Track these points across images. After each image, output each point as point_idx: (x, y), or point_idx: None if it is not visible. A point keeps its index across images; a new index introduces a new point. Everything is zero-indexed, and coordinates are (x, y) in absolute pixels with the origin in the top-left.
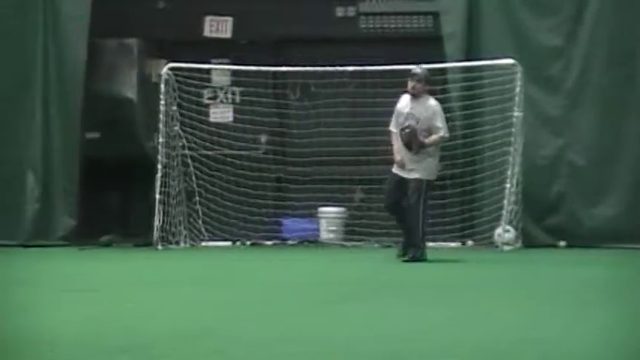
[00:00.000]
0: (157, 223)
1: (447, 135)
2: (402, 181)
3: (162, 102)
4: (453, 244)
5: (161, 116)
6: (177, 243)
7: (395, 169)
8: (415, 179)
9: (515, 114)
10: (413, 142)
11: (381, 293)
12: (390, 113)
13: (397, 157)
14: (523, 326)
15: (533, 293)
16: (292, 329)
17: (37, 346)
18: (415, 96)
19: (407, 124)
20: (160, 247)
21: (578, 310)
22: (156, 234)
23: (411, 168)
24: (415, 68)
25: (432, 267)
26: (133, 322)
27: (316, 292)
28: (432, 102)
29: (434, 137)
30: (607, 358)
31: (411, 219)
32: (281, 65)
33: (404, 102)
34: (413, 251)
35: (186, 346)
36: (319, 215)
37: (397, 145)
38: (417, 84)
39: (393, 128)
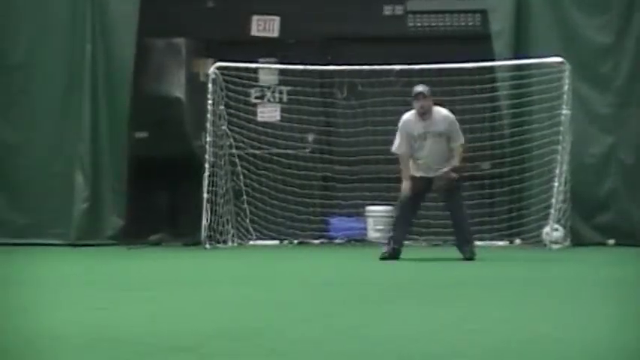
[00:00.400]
0: (204, 222)
1: (463, 140)
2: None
3: (209, 101)
4: (500, 243)
5: (209, 115)
6: (225, 242)
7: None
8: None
9: (564, 112)
10: (449, 184)
11: (429, 293)
12: None
13: (407, 184)
14: (576, 325)
15: (584, 292)
16: (342, 329)
17: (83, 345)
18: (424, 114)
19: (441, 173)
20: (207, 246)
21: (626, 310)
22: (204, 233)
23: (438, 167)
24: (418, 87)
25: (479, 266)
26: (181, 321)
27: (364, 291)
28: (444, 112)
29: (457, 154)
30: None
31: (459, 215)
32: (328, 64)
33: (411, 123)
34: (469, 249)
35: (236, 346)
36: (366, 214)
37: (408, 171)
38: (424, 102)
39: (398, 149)
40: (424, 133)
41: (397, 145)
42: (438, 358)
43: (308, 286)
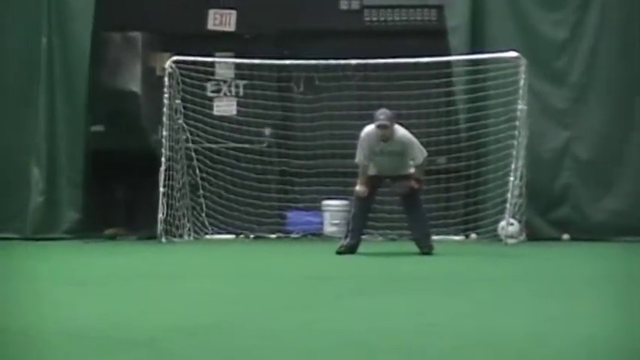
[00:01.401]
0: (161, 216)
1: (425, 156)
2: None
3: (166, 95)
4: (456, 238)
5: (165, 109)
6: (181, 236)
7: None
8: (407, 175)
9: (520, 107)
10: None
11: (388, 287)
12: (394, 106)
13: (361, 188)
14: (530, 320)
15: (537, 287)
16: (300, 323)
17: (40, 339)
18: (386, 140)
19: (403, 184)
20: (163, 240)
21: (581, 304)
22: (160, 227)
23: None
24: (380, 116)
25: (436, 260)
26: (138, 315)
27: (323, 285)
28: (401, 132)
29: (420, 166)
30: (613, 352)
31: (417, 213)
32: (285, 58)
33: (372, 137)
34: (427, 243)
35: (193, 340)
36: (323, 208)
37: (365, 178)
38: (385, 132)
39: (361, 161)
40: (383, 151)
41: (358, 155)
42: (401, 352)
43: (265, 281)
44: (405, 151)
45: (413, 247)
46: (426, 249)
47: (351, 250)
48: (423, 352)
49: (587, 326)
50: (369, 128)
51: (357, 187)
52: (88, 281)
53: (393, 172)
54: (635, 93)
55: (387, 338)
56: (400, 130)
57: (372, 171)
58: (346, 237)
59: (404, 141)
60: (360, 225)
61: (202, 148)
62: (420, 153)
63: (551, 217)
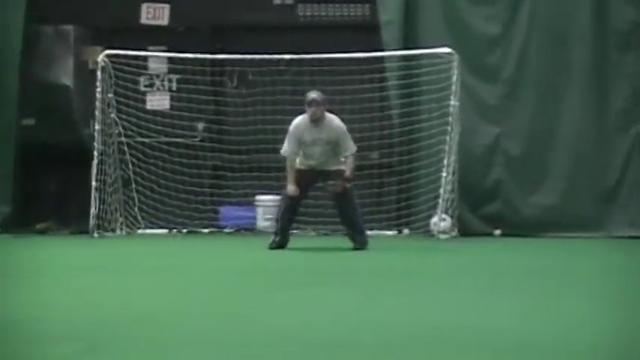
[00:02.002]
0: (93, 210)
1: (355, 149)
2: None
3: (98, 89)
4: (389, 233)
5: (97, 103)
6: (114, 230)
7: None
8: (337, 170)
9: (452, 103)
10: (342, 190)
11: (321, 282)
12: (328, 101)
13: (292, 187)
14: (465, 314)
15: (469, 282)
16: (231, 316)
17: None
18: (316, 121)
19: (332, 183)
20: (96, 234)
21: (514, 298)
22: (92, 221)
23: (327, 167)
24: (311, 94)
25: (369, 255)
26: (69, 309)
27: (255, 279)
28: (336, 122)
29: (350, 162)
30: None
31: (350, 209)
32: (218, 53)
33: (301, 127)
34: (361, 239)
35: (126, 333)
36: (256, 203)
37: (294, 174)
38: (316, 109)
39: (288, 154)
40: (314, 140)
41: (284, 147)
42: (337, 346)
43: (197, 275)
44: (338, 140)
45: (346, 243)
46: (360, 244)
47: (281, 245)
48: (354, 346)
49: (519, 319)
50: (299, 119)
51: (288, 187)
52: (18, 274)
53: (323, 166)
54: (564, 89)
55: (319, 332)
56: (335, 120)
57: (302, 165)
58: (276, 233)
59: (338, 130)
60: (287, 224)
61: (135, 142)
62: (353, 145)
63: (483, 213)
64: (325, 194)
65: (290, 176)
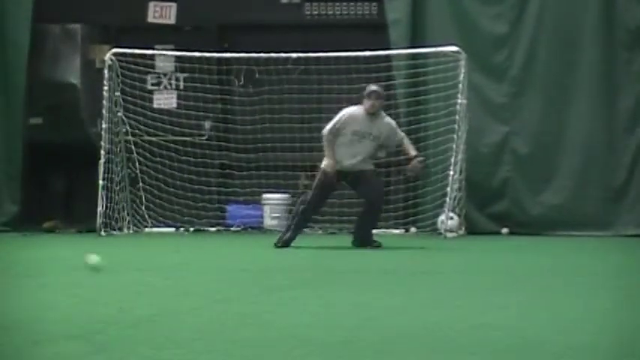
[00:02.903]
0: (100, 209)
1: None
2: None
3: (105, 88)
4: (396, 231)
5: (104, 102)
6: (121, 229)
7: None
8: (368, 170)
9: (459, 101)
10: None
11: (328, 280)
12: (335, 99)
13: (332, 162)
14: (470, 313)
15: (477, 280)
16: (239, 315)
17: None
18: (373, 114)
19: (415, 154)
20: (103, 233)
21: (522, 296)
22: (99, 220)
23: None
24: (372, 86)
25: (375, 254)
26: (76, 308)
27: (262, 278)
28: (387, 119)
29: (409, 144)
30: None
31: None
32: (225, 51)
33: (356, 117)
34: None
35: (131, 333)
36: (263, 202)
37: (334, 150)
38: (376, 102)
39: (329, 132)
40: (364, 133)
41: (328, 126)
42: (337, 346)
43: (204, 274)
44: (388, 137)
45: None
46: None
47: (286, 244)
48: (362, 345)
49: (525, 318)
50: (353, 108)
51: (328, 161)
52: (24, 273)
53: (358, 166)
54: (572, 88)
55: (326, 331)
56: (386, 116)
57: (332, 166)
58: (288, 230)
59: (389, 126)
60: (305, 222)
61: (142, 140)
62: (402, 134)
63: (491, 211)
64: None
65: (330, 152)
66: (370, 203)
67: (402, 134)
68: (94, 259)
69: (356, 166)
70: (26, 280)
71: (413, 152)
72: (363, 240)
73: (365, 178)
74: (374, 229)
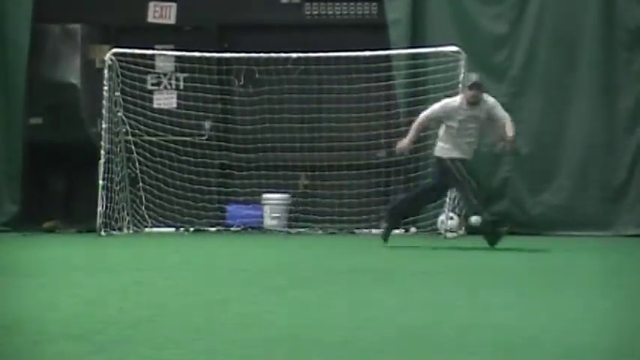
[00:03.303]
0: (100, 209)
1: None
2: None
3: (105, 88)
4: (396, 231)
5: (104, 102)
6: (121, 229)
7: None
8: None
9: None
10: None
11: (328, 280)
12: (335, 99)
13: (406, 141)
14: (470, 313)
15: (477, 280)
16: (239, 315)
17: None
18: (474, 103)
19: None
20: (103, 233)
21: (522, 296)
22: (99, 220)
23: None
24: (473, 76)
25: (374, 254)
26: (76, 308)
27: (263, 278)
28: (490, 99)
29: (510, 124)
30: (556, 344)
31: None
32: (225, 51)
33: (455, 109)
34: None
35: (130, 333)
36: (263, 202)
37: (416, 134)
38: (477, 92)
39: (424, 115)
40: (468, 117)
41: (428, 112)
42: (337, 346)
43: (204, 274)
44: (494, 113)
45: (351, 241)
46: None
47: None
48: (362, 345)
49: (524, 318)
50: (451, 100)
51: (403, 141)
52: (24, 273)
53: (469, 151)
54: (571, 88)
55: (326, 331)
56: (488, 97)
57: (453, 152)
58: (393, 217)
59: (490, 104)
60: (412, 212)
61: (142, 140)
62: (504, 112)
63: (491, 211)
64: (332, 192)
65: (412, 134)
66: (436, 191)
67: (506, 114)
68: None
69: (470, 147)
70: (26, 280)
71: (511, 133)
72: (397, 216)
73: (506, 143)
74: (405, 217)
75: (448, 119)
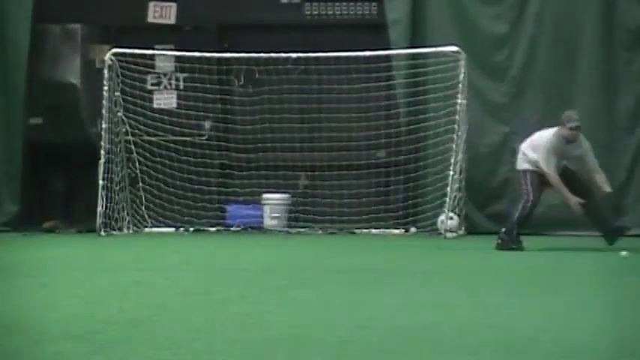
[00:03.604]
0: (100, 209)
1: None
2: None
3: (105, 88)
4: (396, 231)
5: (104, 102)
6: (121, 229)
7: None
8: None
9: (459, 101)
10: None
11: (328, 280)
12: (335, 99)
13: (576, 199)
14: (471, 313)
15: (476, 280)
16: (239, 315)
17: None
18: (573, 141)
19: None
20: (102, 233)
21: (522, 296)
22: (99, 220)
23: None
24: (574, 115)
25: (376, 254)
26: (75, 308)
27: (263, 278)
28: (586, 142)
29: (605, 183)
30: (556, 344)
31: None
32: (225, 51)
33: (558, 145)
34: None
35: (130, 333)
36: (263, 202)
37: (565, 187)
38: (577, 133)
39: (551, 171)
40: (568, 156)
41: (547, 166)
42: (337, 346)
43: (204, 274)
44: (584, 155)
45: (352, 241)
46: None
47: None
48: (362, 345)
49: (524, 318)
50: (553, 136)
51: (573, 200)
52: (24, 273)
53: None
54: (571, 88)
55: (326, 331)
56: (584, 139)
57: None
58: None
59: (586, 146)
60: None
61: (142, 140)
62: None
63: (490, 211)
64: (332, 192)
65: (565, 190)
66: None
67: (595, 161)
68: None
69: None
70: (26, 280)
71: (608, 189)
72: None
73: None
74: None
75: (560, 155)
